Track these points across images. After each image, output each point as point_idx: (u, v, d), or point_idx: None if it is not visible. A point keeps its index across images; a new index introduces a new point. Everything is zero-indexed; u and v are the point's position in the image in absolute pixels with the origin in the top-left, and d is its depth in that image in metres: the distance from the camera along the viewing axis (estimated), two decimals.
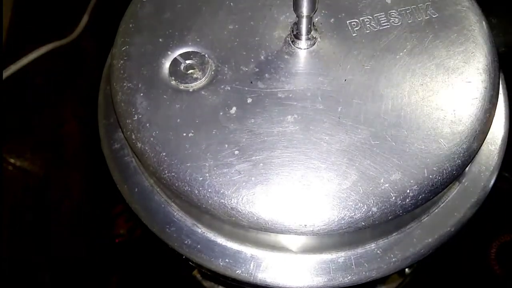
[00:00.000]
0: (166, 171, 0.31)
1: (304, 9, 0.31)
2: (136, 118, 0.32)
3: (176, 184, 0.31)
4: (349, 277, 0.33)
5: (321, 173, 0.30)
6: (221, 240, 0.34)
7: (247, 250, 0.34)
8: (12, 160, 0.65)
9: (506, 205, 0.58)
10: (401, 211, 0.30)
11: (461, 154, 0.31)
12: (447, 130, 0.31)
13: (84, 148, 0.67)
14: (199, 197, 0.30)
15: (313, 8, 0.31)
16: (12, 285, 0.58)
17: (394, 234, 0.34)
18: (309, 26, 0.33)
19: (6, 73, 0.61)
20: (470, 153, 0.31)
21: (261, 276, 0.33)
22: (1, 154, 0.62)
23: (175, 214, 0.35)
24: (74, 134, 0.68)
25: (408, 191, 0.30)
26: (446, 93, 0.32)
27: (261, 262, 0.34)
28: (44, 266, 0.61)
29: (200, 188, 0.30)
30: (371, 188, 0.29)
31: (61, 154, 0.67)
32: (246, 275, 0.33)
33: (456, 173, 0.31)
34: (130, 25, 0.36)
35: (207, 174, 0.30)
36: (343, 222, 0.29)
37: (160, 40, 0.35)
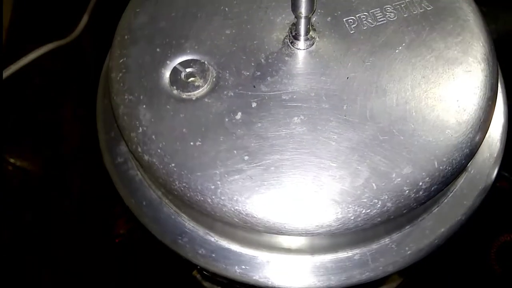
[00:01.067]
0: (176, 182, 0.30)
1: (303, 10, 0.31)
2: (140, 130, 0.32)
3: (188, 195, 0.30)
4: (367, 273, 0.33)
5: (333, 172, 0.30)
6: (235, 247, 0.34)
7: (262, 255, 0.34)
8: (12, 160, 0.64)
9: (506, 205, 0.58)
10: (415, 204, 0.30)
11: (469, 143, 0.31)
12: (453, 120, 0.31)
13: (84, 148, 0.66)
14: (212, 206, 0.30)
15: (311, 9, 0.31)
16: (12, 285, 0.57)
17: (407, 227, 0.34)
18: (308, 26, 0.33)
19: (6, 73, 0.60)
20: (477, 142, 0.32)
21: (279, 280, 0.33)
22: (1, 154, 0.61)
23: (186, 224, 0.35)
24: (74, 134, 0.67)
25: (420, 183, 0.30)
26: (448, 84, 0.32)
27: (277, 266, 0.33)
28: (44, 266, 0.60)
29: (213, 197, 0.30)
30: (383, 184, 0.29)
31: (61, 154, 0.66)
32: (264, 280, 0.33)
33: (465, 162, 0.31)
34: (126, 37, 0.35)
35: (218, 182, 0.30)
36: (359, 219, 0.29)
37: (158, 50, 0.34)
